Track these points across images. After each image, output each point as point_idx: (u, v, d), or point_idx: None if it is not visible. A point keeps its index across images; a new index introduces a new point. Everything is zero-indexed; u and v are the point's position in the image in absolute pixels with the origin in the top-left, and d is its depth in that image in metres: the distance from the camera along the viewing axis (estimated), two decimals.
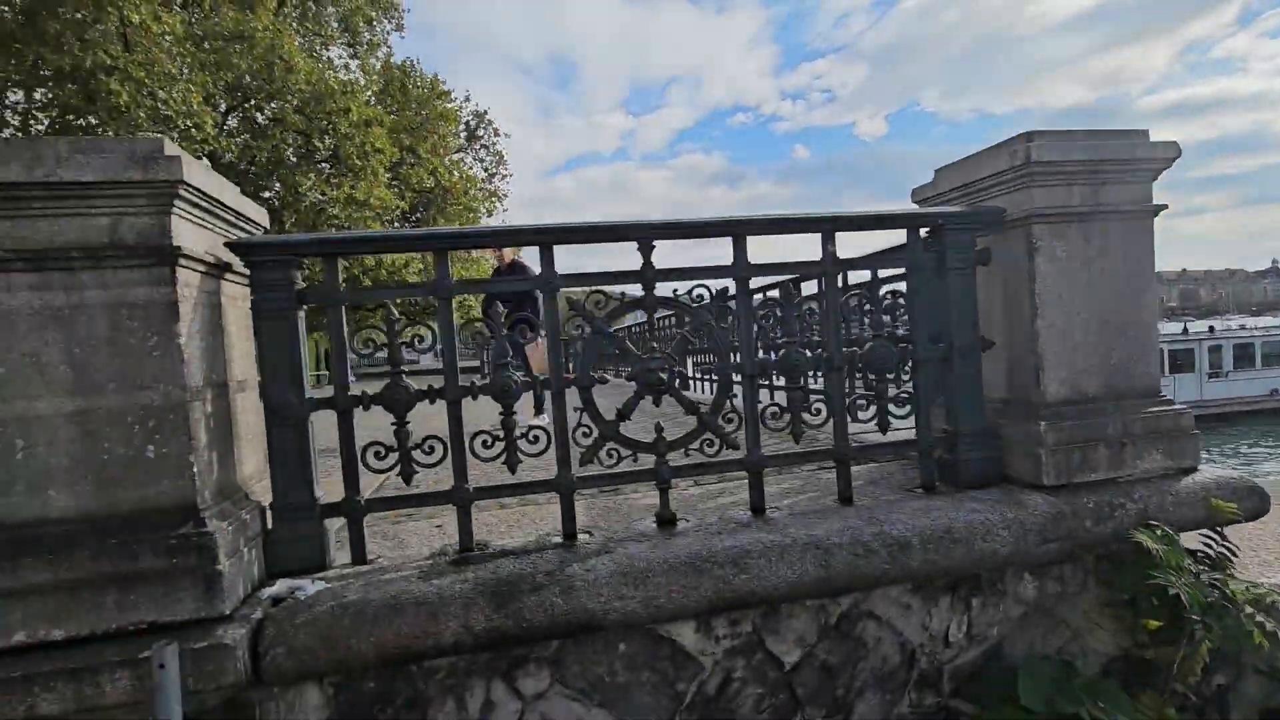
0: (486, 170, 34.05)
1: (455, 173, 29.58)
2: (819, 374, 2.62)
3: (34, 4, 16.86)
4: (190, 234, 2.00)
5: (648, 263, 2.40)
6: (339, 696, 2.00)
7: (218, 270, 2.14)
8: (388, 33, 25.45)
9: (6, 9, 17.13)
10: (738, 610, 2.23)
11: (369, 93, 22.93)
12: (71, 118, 18.97)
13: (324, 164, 21.99)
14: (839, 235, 2.53)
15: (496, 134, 33.71)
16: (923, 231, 2.65)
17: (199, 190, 1.95)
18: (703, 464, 2.48)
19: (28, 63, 17.27)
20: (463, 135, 32.19)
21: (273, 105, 20.62)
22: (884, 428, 2.63)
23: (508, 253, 5.68)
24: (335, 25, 24.04)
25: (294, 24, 20.54)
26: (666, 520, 2.44)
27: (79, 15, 16.13)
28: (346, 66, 24.60)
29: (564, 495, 2.36)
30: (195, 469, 1.92)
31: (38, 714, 1.66)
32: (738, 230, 2.46)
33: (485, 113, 32.92)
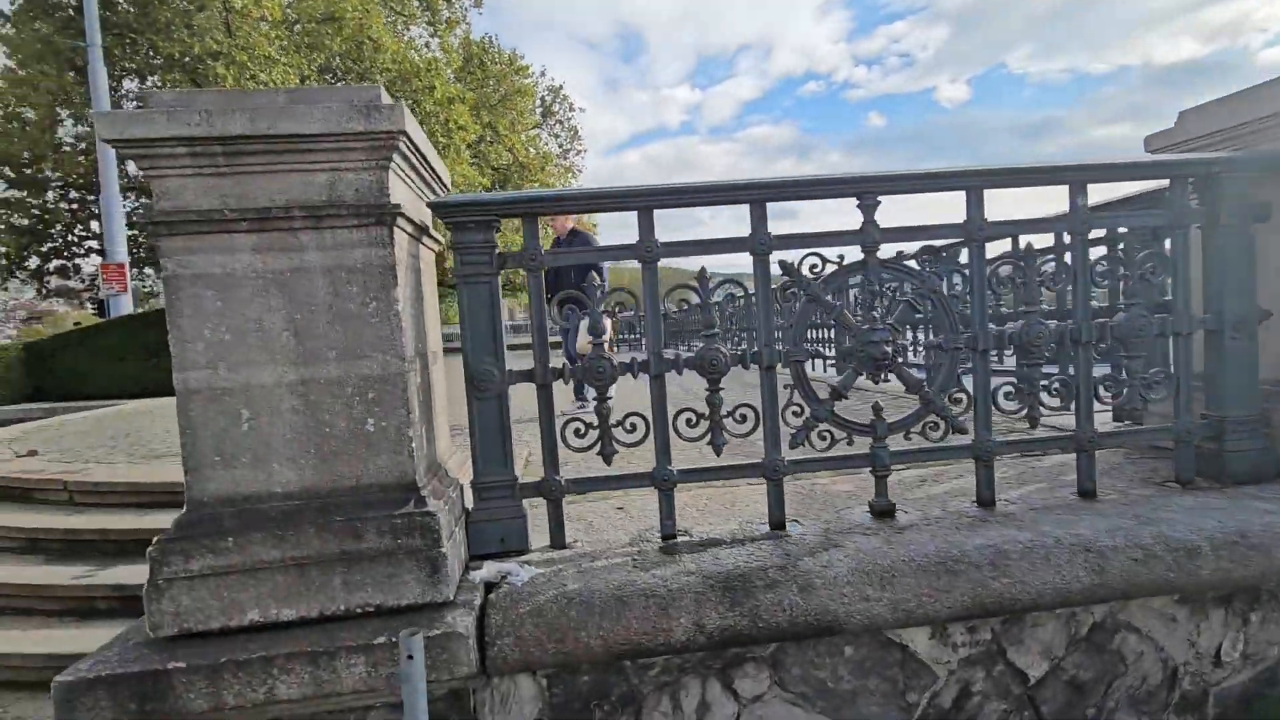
0: (561, 146, 34.01)
1: (532, 149, 29.72)
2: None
3: None
4: (402, 192, 1.86)
5: (870, 221, 2.11)
6: (552, 690, 1.86)
7: (418, 233, 2.01)
8: (466, 9, 25.53)
9: (122, 1, 18.13)
10: (979, 617, 1.96)
11: (449, 70, 23.11)
12: None
13: None
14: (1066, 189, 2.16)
15: (571, 109, 33.57)
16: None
17: (412, 143, 1.80)
18: (926, 449, 2.20)
19: (142, 51, 18.24)
20: (538, 111, 32.19)
21: (364, 84, 21.08)
22: (1133, 414, 2.27)
23: (565, 221, 5.40)
24: (416, 3, 24.30)
25: (379, 3, 20.83)
26: (884, 511, 2.19)
27: (186, 4, 16.82)
28: (427, 45, 24.89)
29: (772, 480, 2.14)
30: (413, 444, 1.79)
31: (277, 697, 1.58)
32: (973, 183, 2.14)
33: (560, 88, 32.80)
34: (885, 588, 1.82)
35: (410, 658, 1.47)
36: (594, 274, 4.96)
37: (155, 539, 1.66)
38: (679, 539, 2.12)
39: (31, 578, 3.11)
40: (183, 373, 1.70)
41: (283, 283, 1.73)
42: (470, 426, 2.05)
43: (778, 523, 2.15)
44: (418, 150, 1.86)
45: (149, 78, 20.06)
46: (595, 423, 2.12)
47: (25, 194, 19.97)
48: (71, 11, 17.43)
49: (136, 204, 22.42)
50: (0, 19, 17.89)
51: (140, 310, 13.10)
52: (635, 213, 2.06)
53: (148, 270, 25.25)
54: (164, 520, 3.61)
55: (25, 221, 20.71)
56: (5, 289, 26.54)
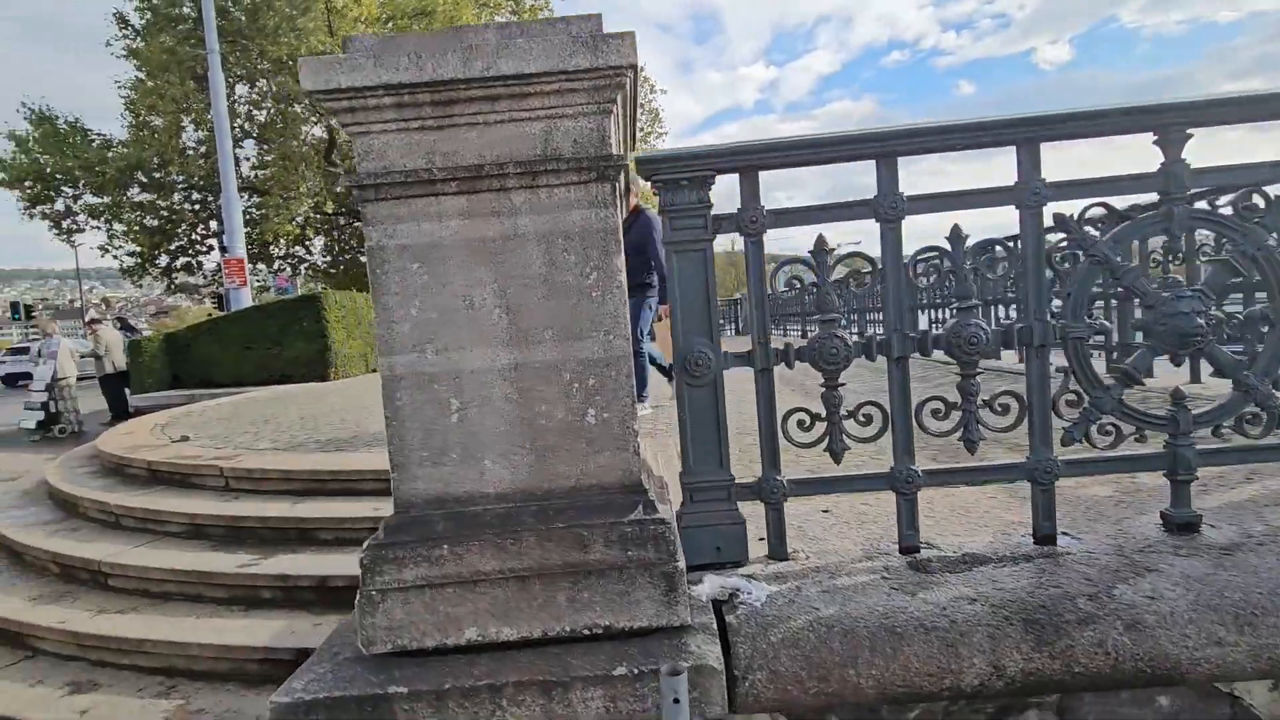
0: (642, 130, 33.72)
1: None
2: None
3: (257, 2, 18.68)
4: (616, 143, 1.59)
5: (1176, 160, 1.67)
6: None
7: (622, 194, 1.74)
8: None
9: (234, 8, 19.15)
10: None
11: None
12: (285, 105, 21.10)
13: None
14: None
15: (652, 90, 33.16)
16: None
17: (632, 80, 1.52)
18: (1245, 448, 1.75)
19: (252, 56, 19.23)
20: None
21: None
22: None
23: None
24: None
25: None
26: (1186, 524, 1.76)
27: (291, 9, 17.52)
28: None
29: (1040, 485, 1.76)
30: (638, 439, 1.53)
31: None
32: None
33: (642, 69, 32.42)
34: (1245, 630, 1.41)
35: (676, 701, 1.21)
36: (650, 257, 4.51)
37: (366, 543, 1.48)
38: (924, 552, 1.78)
39: (198, 564, 3.13)
40: (388, 357, 1.50)
41: (493, 252, 1.50)
42: (680, 417, 1.78)
43: (1046, 536, 1.77)
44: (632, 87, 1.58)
45: (258, 82, 21.19)
46: (823, 413, 1.80)
47: (155, 197, 21.59)
48: (191, 23, 18.56)
49: (249, 204, 23.87)
50: (132, 33, 19.28)
51: (259, 303, 13.83)
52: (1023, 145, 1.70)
53: (260, 265, 26.91)
54: (316, 509, 3.60)
55: (155, 222, 22.40)
56: (140, 286, 29.18)
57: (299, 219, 19.16)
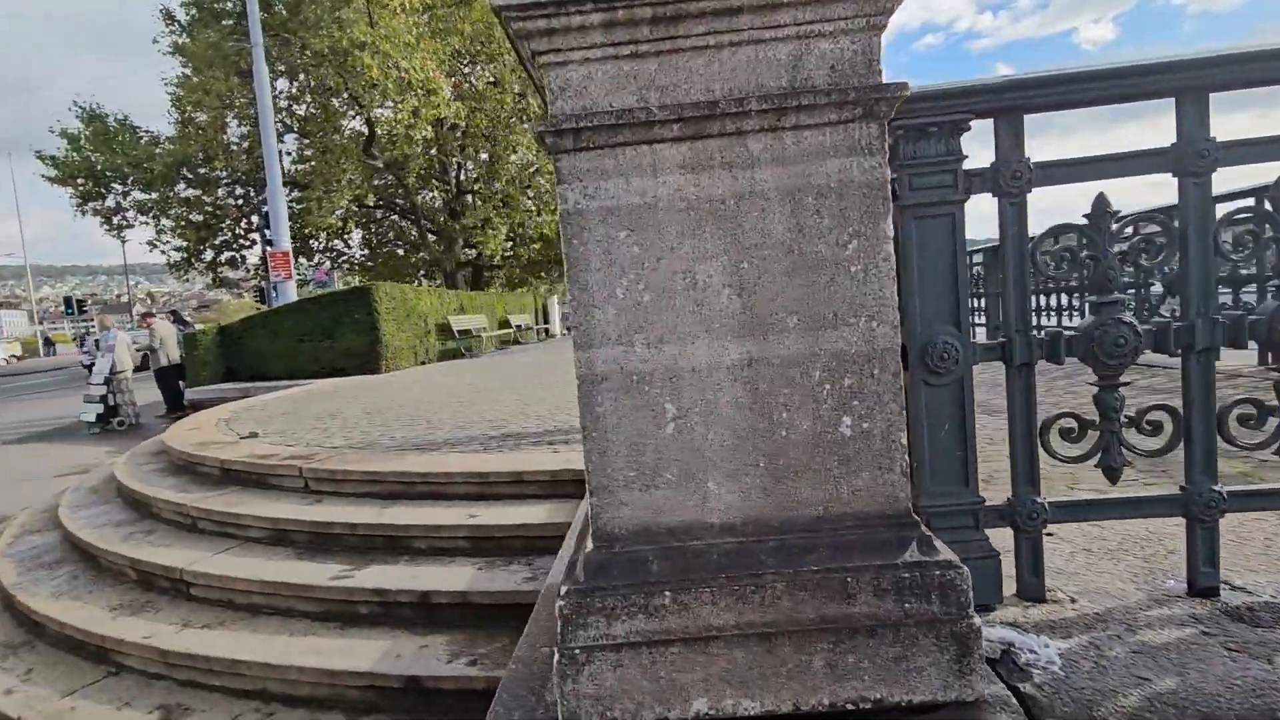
0: None
1: None
2: None
3: None
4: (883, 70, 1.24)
5: None
6: None
7: None
8: None
9: (277, 2, 19.18)
10: None
11: None
12: (326, 98, 21.13)
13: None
14: None
15: None
16: None
17: None
18: None
19: (294, 49, 19.24)
20: None
21: (491, 67, 21.32)
22: None
23: None
24: None
25: None
26: None
27: (331, 1, 17.43)
28: None
29: (1199, 521, 1.38)
30: (905, 457, 1.19)
31: None
32: None
33: None
34: None
35: None
36: None
37: (564, 588, 1.16)
38: (1227, 595, 1.41)
39: (286, 574, 2.89)
40: (587, 350, 1.18)
41: (722, 215, 1.16)
42: (914, 420, 1.43)
43: (1206, 588, 1.39)
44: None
45: (299, 76, 21.26)
46: (1095, 420, 1.43)
47: (200, 192, 21.85)
48: (235, 18, 18.64)
49: (291, 198, 24.03)
50: (178, 29, 19.46)
51: (309, 295, 13.81)
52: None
53: (300, 259, 27.17)
54: (406, 514, 3.32)
55: (200, 217, 22.69)
56: (185, 280, 29.84)
57: (339, 212, 19.15)
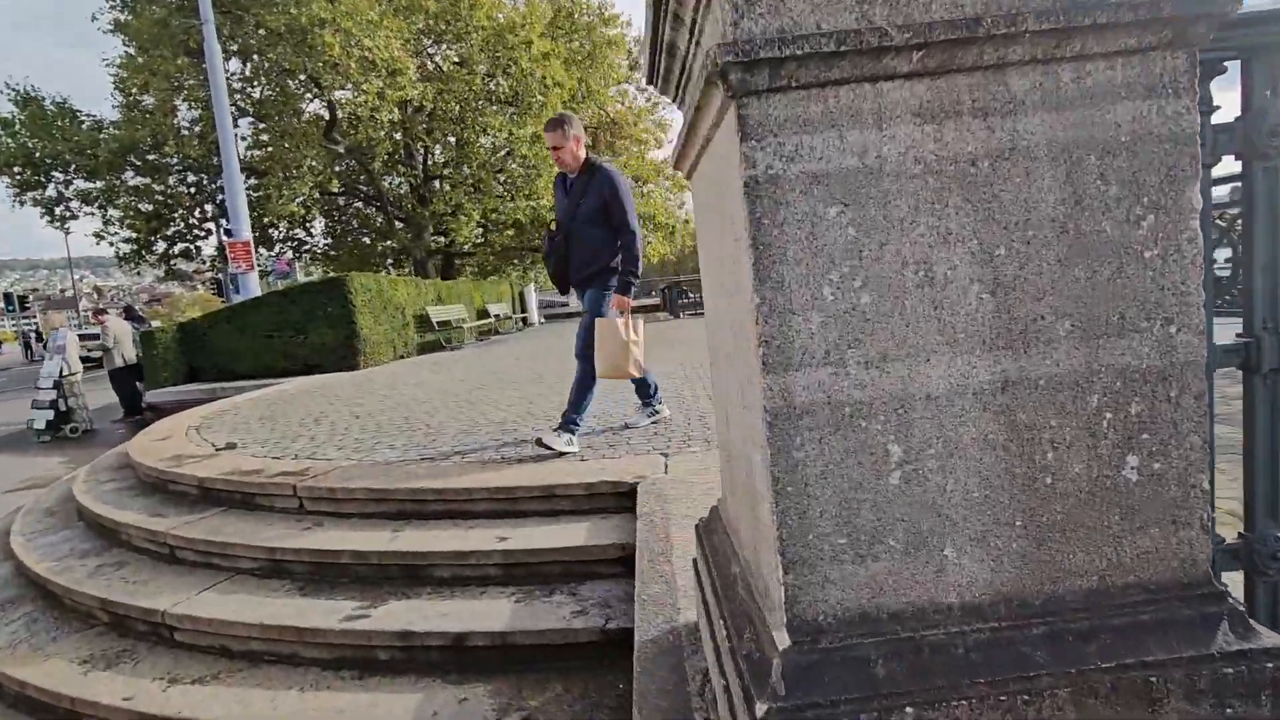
0: (649, 100, 32.73)
1: (621, 103, 28.61)
2: None
3: None
4: None
5: None
6: None
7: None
8: None
9: None
10: None
11: (540, 25, 22.09)
12: (287, 79, 20.10)
13: (505, 104, 21.76)
14: None
15: None
16: None
17: None
18: None
19: (248, 27, 18.20)
20: (625, 65, 30.90)
21: (458, 47, 20.51)
22: None
23: (574, 144, 3.40)
24: None
25: None
26: None
27: None
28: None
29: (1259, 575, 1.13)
30: (1208, 505, 0.89)
31: None
32: None
33: None
34: None
35: None
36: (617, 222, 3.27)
37: (762, 707, 0.83)
38: None
39: (289, 616, 2.51)
40: (781, 374, 0.85)
41: (972, 182, 0.83)
42: (1249, 442, 1.13)
43: None
44: None
45: (255, 57, 20.17)
46: None
47: (150, 180, 20.68)
48: None
49: (247, 185, 22.91)
50: (120, 5, 18.24)
51: (271, 288, 13.09)
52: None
53: (260, 250, 26.04)
54: (423, 539, 2.93)
55: (151, 207, 21.50)
56: (137, 273, 28.31)
57: (301, 199, 18.28)
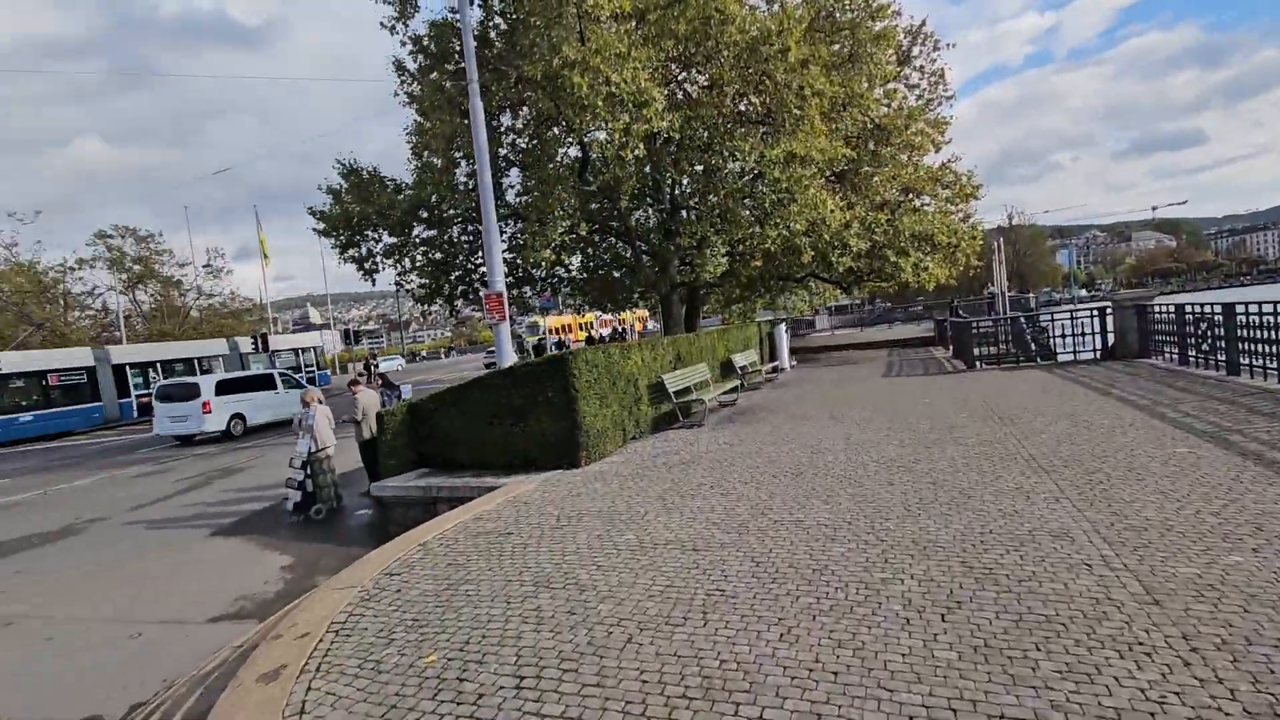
0: (920, 97, 27.98)
1: (891, 104, 24.65)
2: None
3: (514, 23, 18.14)
4: None
5: None
6: None
7: None
8: None
9: (494, 33, 18.92)
10: None
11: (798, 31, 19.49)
12: (545, 128, 20.57)
13: (758, 123, 19.69)
14: None
15: (936, 47, 27.32)
16: None
17: None
18: None
19: (509, 80, 18.78)
20: (892, 61, 26.70)
21: (708, 69, 19.05)
22: None
23: None
24: None
25: None
26: None
27: (543, 21, 16.39)
28: (767, 6, 21.76)
29: None
30: None
31: None
32: None
33: (923, 24, 26.89)
34: None
35: None
36: None
37: None
38: None
39: None
40: None
41: None
42: None
43: None
44: None
45: (520, 109, 21.01)
46: None
47: (435, 232, 22.76)
48: (457, 57, 18.68)
49: (515, 230, 24.16)
50: (409, 78, 20.18)
51: (531, 323, 12.50)
52: None
53: (525, 289, 27.51)
54: None
55: (439, 256, 23.72)
56: (426, 315, 32.37)
57: (554, 244, 18.21)
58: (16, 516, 10.86)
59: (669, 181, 22.86)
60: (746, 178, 20.83)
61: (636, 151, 16.95)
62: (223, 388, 18.66)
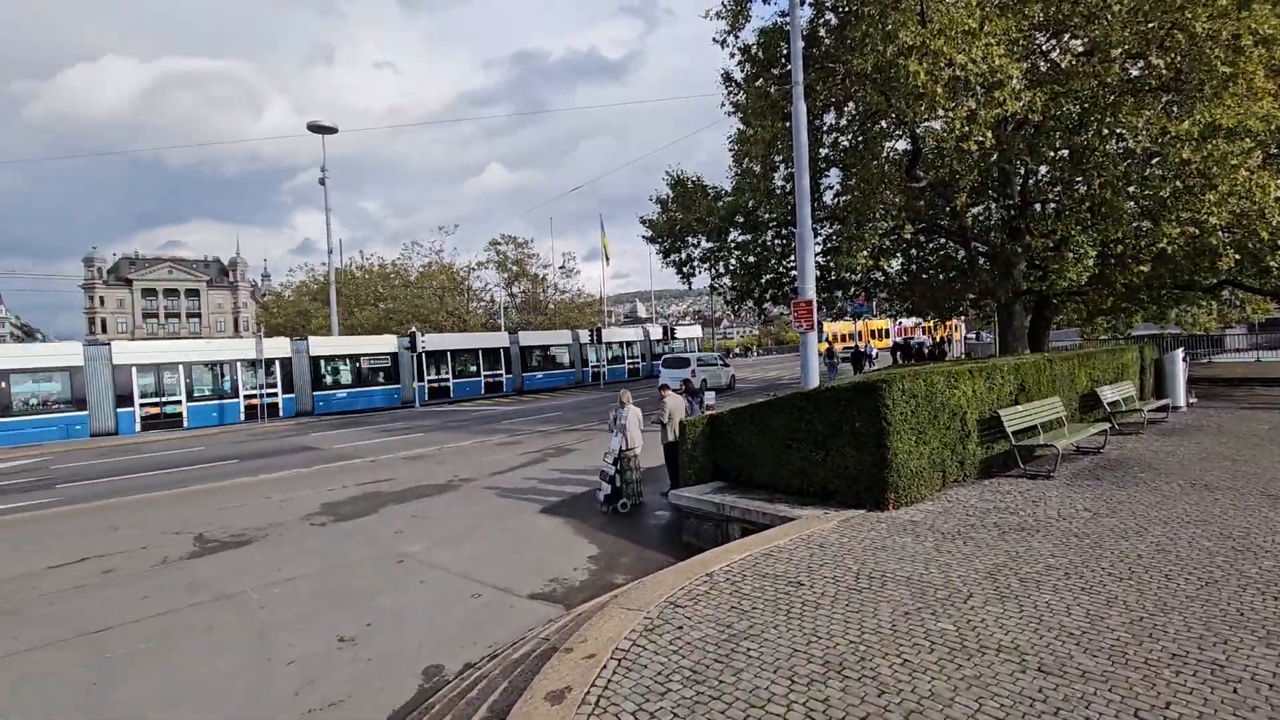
0: None
1: None
2: None
3: (845, 16, 17.23)
4: None
5: None
6: None
7: None
8: None
9: (823, 30, 18.24)
10: None
11: None
12: (870, 124, 19.22)
13: (1158, 91, 15.42)
14: None
15: None
16: None
17: None
18: None
19: (837, 78, 17.90)
20: None
21: (1087, 30, 15.52)
22: None
23: None
24: None
25: None
26: None
27: (873, 10, 15.16)
28: None
29: None
30: None
31: None
32: None
33: None
34: None
35: None
36: None
37: None
38: None
39: None
40: None
41: None
42: None
43: None
44: None
45: (845, 106, 19.99)
46: None
47: (750, 237, 23.15)
48: (784, 61, 18.50)
49: (831, 232, 23.33)
50: (735, 88, 20.69)
51: (844, 324, 11.86)
52: None
53: (836, 293, 26.41)
54: None
55: (752, 259, 24.12)
56: (737, 314, 33.49)
57: (871, 248, 16.84)
58: (420, 468, 14.08)
59: (1020, 171, 19.42)
60: (1133, 161, 16.50)
61: (980, 140, 14.64)
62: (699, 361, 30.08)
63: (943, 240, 24.65)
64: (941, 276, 25.24)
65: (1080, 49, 16.20)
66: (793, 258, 23.69)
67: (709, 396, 11.50)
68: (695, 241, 24.26)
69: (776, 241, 23.94)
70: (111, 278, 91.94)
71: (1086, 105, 15.45)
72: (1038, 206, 19.56)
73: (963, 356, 36.61)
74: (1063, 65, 16.47)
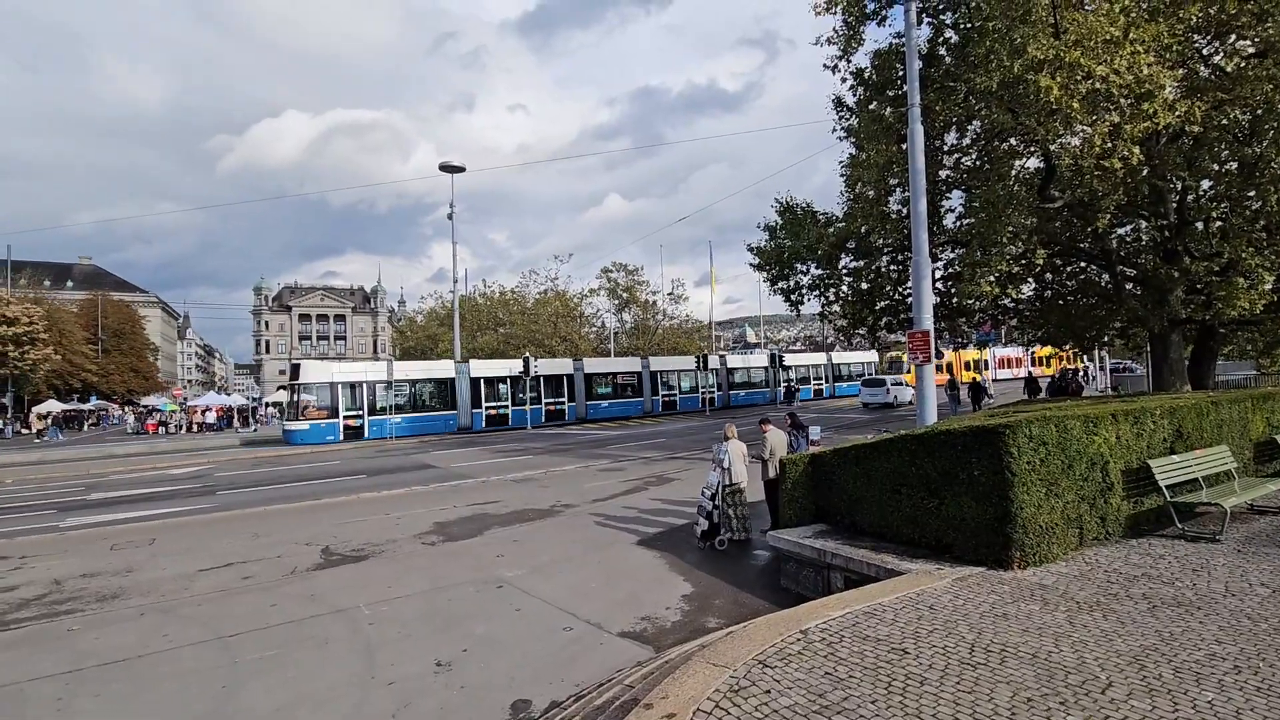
0: None
1: None
2: None
3: (967, 33, 16.36)
4: None
5: None
6: None
7: None
8: None
9: (943, 49, 17.37)
10: None
11: None
12: (997, 142, 18.00)
13: None
14: None
15: None
16: None
17: None
18: None
19: (959, 96, 16.94)
20: None
21: (1257, 31, 13.72)
22: None
23: None
24: None
25: None
26: None
27: (1004, 24, 14.23)
28: None
29: None
30: None
31: None
32: None
33: None
34: None
35: None
36: None
37: None
38: None
39: None
40: None
41: None
42: None
43: None
44: None
45: (968, 125, 18.88)
46: None
47: (862, 263, 22.23)
48: (900, 83, 17.81)
49: (953, 258, 22.05)
50: (848, 113, 20.13)
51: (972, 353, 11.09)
52: None
53: (959, 319, 24.82)
54: None
55: (865, 286, 23.15)
56: (851, 342, 32.37)
57: (996, 276, 15.59)
58: (525, 491, 14.52)
59: (1175, 188, 17.36)
60: None
61: (1126, 155, 13.25)
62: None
63: (1082, 264, 22.47)
64: (1082, 301, 22.96)
65: (1250, 50, 14.32)
66: (909, 284, 22.47)
67: (814, 431, 11.02)
68: (804, 269, 23.65)
69: (892, 268, 22.86)
70: (274, 304, 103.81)
71: (1260, 112, 13.59)
72: (1199, 225, 17.37)
73: (1106, 390, 32.72)
74: (1228, 69, 14.63)
